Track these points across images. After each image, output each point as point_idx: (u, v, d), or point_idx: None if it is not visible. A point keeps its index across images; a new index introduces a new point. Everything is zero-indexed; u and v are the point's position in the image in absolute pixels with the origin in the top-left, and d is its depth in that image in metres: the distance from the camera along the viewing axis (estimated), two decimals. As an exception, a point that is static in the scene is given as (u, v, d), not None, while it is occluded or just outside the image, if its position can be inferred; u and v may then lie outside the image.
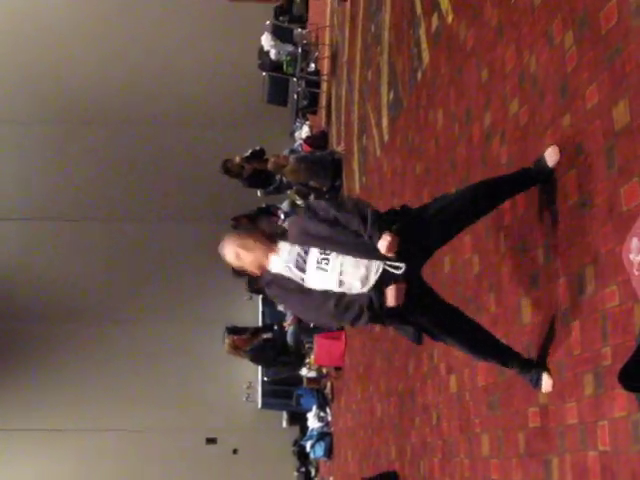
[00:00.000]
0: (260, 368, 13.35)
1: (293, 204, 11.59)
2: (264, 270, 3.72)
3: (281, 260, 3.65)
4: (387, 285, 3.50)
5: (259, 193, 12.08)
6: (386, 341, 7.30)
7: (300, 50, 12.86)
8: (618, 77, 3.06)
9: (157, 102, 15.78)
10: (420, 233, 3.60)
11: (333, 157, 10.72)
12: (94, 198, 15.59)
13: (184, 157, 15.67)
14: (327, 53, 13.14)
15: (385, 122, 7.79)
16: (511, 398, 4.08)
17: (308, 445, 11.72)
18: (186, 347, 15.09)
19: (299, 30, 13.44)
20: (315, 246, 3.58)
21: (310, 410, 11.90)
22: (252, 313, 14.48)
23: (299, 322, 10.85)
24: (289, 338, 11.01)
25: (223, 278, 12.75)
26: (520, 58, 4.12)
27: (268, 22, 13.38)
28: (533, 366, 3.68)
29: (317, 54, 13.39)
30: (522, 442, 3.93)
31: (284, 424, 14.36)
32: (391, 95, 7.54)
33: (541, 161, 3.65)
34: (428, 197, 5.64)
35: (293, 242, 3.64)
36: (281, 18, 14.39)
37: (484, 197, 3.72)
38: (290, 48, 12.92)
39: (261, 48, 13.05)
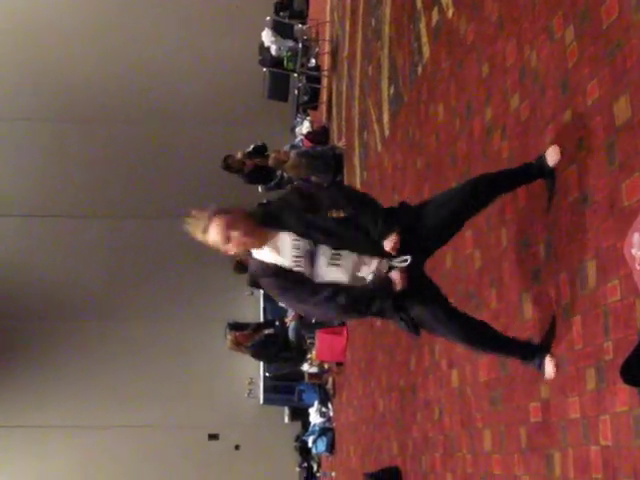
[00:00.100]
0: (262, 364, 13.36)
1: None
2: (252, 257, 3.54)
3: (284, 250, 3.48)
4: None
5: (260, 189, 12.09)
6: (387, 336, 7.31)
7: (300, 46, 12.86)
8: (619, 72, 3.06)
9: (157, 99, 15.78)
10: (421, 230, 3.60)
11: (334, 152, 10.72)
12: (95, 195, 15.60)
13: (184, 153, 15.67)
14: (327, 48, 13.13)
15: (386, 117, 7.79)
16: (513, 393, 4.08)
17: (310, 440, 11.74)
18: (188, 344, 15.11)
19: (299, 26, 13.44)
20: (323, 242, 3.49)
21: (312, 405, 11.92)
22: (253, 309, 14.50)
23: (300, 318, 10.85)
24: (291, 334, 11.01)
25: (224, 274, 12.81)
26: (521, 53, 4.11)
27: (268, 18, 13.37)
28: (536, 352, 3.65)
29: (317, 49, 13.39)
30: (524, 437, 3.93)
31: (286, 420, 14.39)
32: (392, 90, 7.54)
33: (542, 159, 3.64)
34: (429, 192, 5.64)
35: (297, 233, 3.49)
36: (281, 14, 14.40)
37: (484, 191, 3.72)
38: (290, 44, 12.92)
39: (262, 44, 13.04)
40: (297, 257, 3.47)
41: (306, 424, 12.89)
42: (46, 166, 15.61)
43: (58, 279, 15.31)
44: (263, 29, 13.01)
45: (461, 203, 3.66)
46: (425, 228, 3.61)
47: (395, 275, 3.50)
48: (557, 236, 3.61)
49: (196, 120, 15.79)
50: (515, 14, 4.24)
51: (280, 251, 3.49)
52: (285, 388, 13.17)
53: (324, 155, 10.73)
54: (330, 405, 11.60)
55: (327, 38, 13.16)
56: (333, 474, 11.31)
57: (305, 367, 11.74)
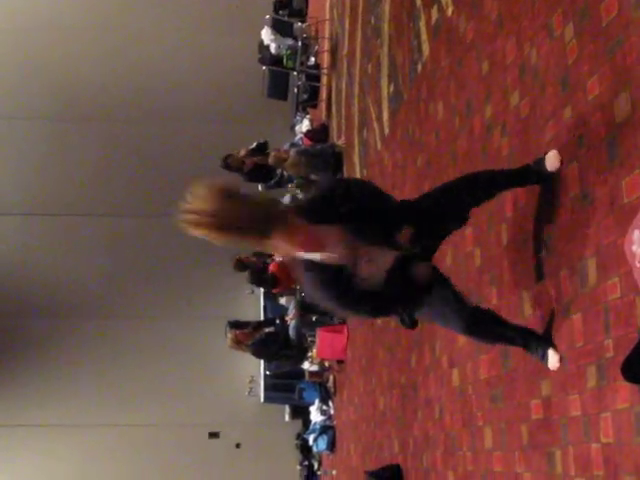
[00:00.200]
0: (262, 362, 13.36)
1: (295, 198, 11.60)
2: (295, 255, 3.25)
3: (331, 247, 3.21)
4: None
5: (260, 187, 12.10)
6: (388, 334, 7.31)
7: (300, 44, 12.85)
8: (619, 69, 3.06)
9: (156, 97, 15.77)
10: (424, 222, 3.57)
11: (334, 150, 10.72)
12: (95, 194, 15.59)
13: (184, 152, 15.66)
14: (327, 46, 13.13)
15: (385, 115, 7.79)
16: (514, 391, 4.08)
17: (311, 438, 11.74)
18: (188, 342, 15.11)
19: (299, 24, 13.43)
20: (360, 242, 3.29)
21: (313, 404, 11.92)
22: (254, 307, 14.50)
23: (301, 316, 10.86)
24: (291, 332, 11.01)
25: (225, 272, 12.82)
26: (520, 50, 4.11)
27: (268, 16, 13.38)
28: (540, 342, 3.63)
29: (317, 47, 13.39)
30: (525, 434, 3.94)
31: (287, 418, 14.38)
32: (391, 88, 7.54)
33: (540, 163, 3.63)
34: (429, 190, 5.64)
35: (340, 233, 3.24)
36: (281, 12, 14.40)
37: (482, 188, 3.72)
38: (290, 42, 12.91)
39: (261, 42, 13.05)
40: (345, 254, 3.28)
41: (307, 422, 12.89)
42: (46, 165, 15.60)
43: (59, 278, 15.31)
44: (262, 27, 13.01)
45: (457, 199, 3.62)
46: (428, 221, 3.58)
47: (422, 269, 3.45)
48: (557, 233, 3.61)
49: (196, 118, 15.79)
50: (515, 12, 4.23)
51: (331, 247, 3.26)
52: (286, 386, 13.16)
53: (324, 153, 10.74)
54: (331, 403, 11.60)
55: (326, 36, 13.16)
56: (334, 472, 11.31)
57: (306, 365, 11.75)
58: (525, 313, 3.97)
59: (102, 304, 15.29)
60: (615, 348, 3.03)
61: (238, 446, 15.04)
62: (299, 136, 12.87)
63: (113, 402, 14.88)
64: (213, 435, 15.07)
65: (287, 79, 13.21)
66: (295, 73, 13.02)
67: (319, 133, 12.50)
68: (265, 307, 14.22)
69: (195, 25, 15.86)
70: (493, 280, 4.48)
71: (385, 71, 7.83)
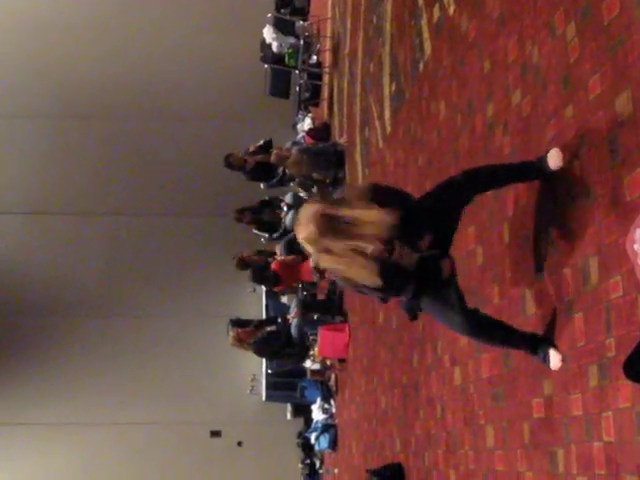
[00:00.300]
0: (264, 360, 13.36)
1: (296, 196, 11.60)
2: None
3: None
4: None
5: (262, 186, 12.10)
6: (390, 333, 7.31)
7: (302, 42, 12.83)
8: (621, 68, 3.06)
9: (158, 96, 15.77)
10: (439, 224, 3.63)
11: (336, 149, 10.72)
12: (95, 193, 15.60)
13: (186, 151, 15.67)
14: (329, 45, 13.12)
15: (387, 114, 7.78)
16: (515, 389, 4.08)
17: (312, 437, 11.73)
18: (190, 340, 15.12)
19: (301, 22, 13.41)
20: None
21: (314, 402, 11.91)
22: (256, 306, 14.50)
23: (303, 314, 10.86)
24: (293, 330, 11.00)
25: (226, 271, 12.82)
26: (522, 49, 4.11)
27: (270, 15, 13.35)
28: (540, 343, 3.64)
29: (319, 46, 13.37)
30: (527, 433, 3.94)
31: (288, 416, 14.38)
32: (393, 87, 7.53)
33: (543, 161, 3.63)
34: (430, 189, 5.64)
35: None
36: (283, 10, 14.37)
37: (484, 183, 3.77)
38: (292, 40, 12.90)
39: (263, 41, 13.03)
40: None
41: (308, 421, 12.88)
42: (46, 164, 15.61)
43: (59, 276, 15.32)
44: (264, 26, 13.00)
45: (459, 194, 3.70)
46: (431, 218, 3.62)
47: (447, 263, 3.54)
48: (559, 232, 3.61)
49: (197, 117, 15.79)
50: (516, 10, 4.23)
51: None
52: (287, 385, 13.16)
53: (326, 152, 10.73)
54: (332, 402, 11.59)
55: (328, 35, 13.15)
56: (336, 471, 11.30)
57: (307, 364, 11.74)
58: (527, 312, 3.97)
59: (103, 303, 15.30)
60: (617, 347, 3.03)
61: (240, 444, 15.06)
62: (301, 134, 12.87)
63: (114, 400, 14.89)
64: (215, 433, 15.08)
65: (289, 77, 13.20)
66: (297, 72, 13.00)
67: (321, 131, 12.49)
68: (267, 305, 14.22)
69: (196, 24, 15.85)
70: (495, 278, 4.48)
71: (387, 70, 7.83)
